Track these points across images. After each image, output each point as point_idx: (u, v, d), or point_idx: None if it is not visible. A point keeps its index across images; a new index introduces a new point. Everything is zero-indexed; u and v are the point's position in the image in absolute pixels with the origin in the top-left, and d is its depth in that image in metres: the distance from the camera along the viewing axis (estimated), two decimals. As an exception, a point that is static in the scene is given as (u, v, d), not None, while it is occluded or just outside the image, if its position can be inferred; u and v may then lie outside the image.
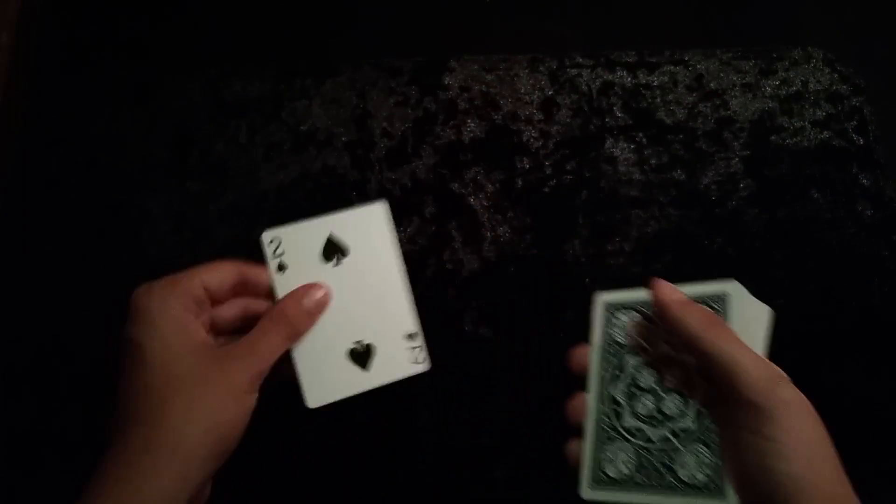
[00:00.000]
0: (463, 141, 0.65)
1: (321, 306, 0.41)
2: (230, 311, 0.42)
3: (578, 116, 0.66)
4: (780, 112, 0.66)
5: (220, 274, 0.41)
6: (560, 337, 0.59)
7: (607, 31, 0.71)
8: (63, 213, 0.63)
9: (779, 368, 0.38)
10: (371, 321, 0.43)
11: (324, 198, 0.63)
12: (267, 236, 0.42)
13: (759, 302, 0.41)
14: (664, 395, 0.39)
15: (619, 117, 0.66)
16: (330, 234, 0.43)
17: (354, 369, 0.42)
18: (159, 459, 0.35)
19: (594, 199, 0.63)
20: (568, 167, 0.64)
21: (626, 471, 0.38)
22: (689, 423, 0.38)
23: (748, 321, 0.39)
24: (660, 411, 0.39)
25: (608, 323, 0.43)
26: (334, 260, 0.43)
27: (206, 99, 0.67)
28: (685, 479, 0.36)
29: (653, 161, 0.64)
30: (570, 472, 0.41)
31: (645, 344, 0.41)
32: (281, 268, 0.42)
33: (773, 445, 0.32)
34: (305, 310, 0.41)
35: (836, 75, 0.67)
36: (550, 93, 0.67)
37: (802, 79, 0.67)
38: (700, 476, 0.36)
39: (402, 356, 0.43)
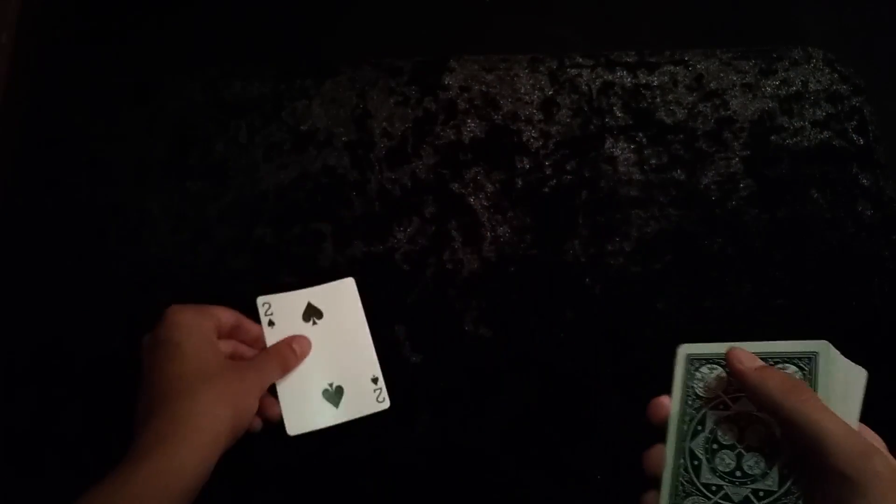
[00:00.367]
0: (463, 141, 0.65)
1: (305, 351, 0.54)
2: (225, 347, 0.51)
3: (578, 116, 0.66)
4: (780, 112, 0.66)
5: (226, 315, 0.51)
6: (560, 337, 0.59)
7: (607, 31, 0.71)
8: (63, 213, 0.63)
9: (871, 438, 0.37)
10: (341, 367, 0.54)
11: (324, 198, 0.63)
12: (260, 301, 0.55)
13: (853, 363, 0.40)
14: (746, 453, 0.38)
15: (619, 117, 0.66)
16: (309, 302, 0.56)
17: (328, 406, 0.53)
18: (193, 430, 0.42)
19: (594, 199, 0.63)
20: (568, 167, 0.64)
21: None
22: (771, 484, 0.37)
23: (839, 384, 0.38)
24: (740, 469, 0.38)
25: (690, 376, 0.42)
26: (311, 321, 0.55)
27: (206, 99, 0.67)
28: None
29: (653, 161, 0.64)
30: None
31: (728, 400, 0.40)
32: (271, 324, 0.54)
33: None
34: (294, 351, 0.53)
35: (836, 75, 0.67)
36: (550, 93, 0.67)
37: (802, 79, 0.67)
38: None
39: (367, 396, 0.54)
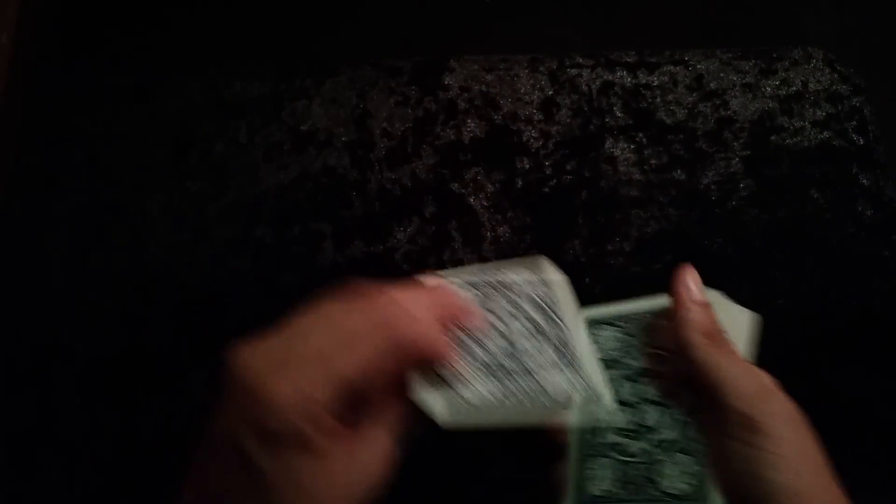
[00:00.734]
0: (463, 141, 0.65)
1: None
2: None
3: (578, 116, 0.66)
4: (780, 112, 0.66)
5: (355, 360, 0.29)
6: (560, 337, 0.59)
7: (607, 31, 0.71)
8: (63, 213, 0.63)
9: (769, 378, 0.38)
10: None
11: (324, 198, 0.63)
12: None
13: (743, 308, 0.41)
14: (645, 407, 0.39)
15: (619, 117, 0.66)
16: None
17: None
18: None
19: (594, 199, 0.63)
20: (568, 167, 0.64)
21: (609, 487, 0.38)
22: (670, 433, 0.38)
23: (731, 329, 0.39)
24: (640, 424, 0.39)
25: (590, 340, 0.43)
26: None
27: (206, 99, 0.67)
28: (668, 490, 0.36)
29: (653, 161, 0.64)
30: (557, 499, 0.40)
31: (628, 359, 0.41)
32: None
33: (763, 455, 0.33)
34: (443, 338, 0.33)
35: (836, 75, 0.67)
36: (550, 93, 0.67)
37: (802, 79, 0.67)
38: (682, 485, 0.36)
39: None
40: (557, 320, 0.37)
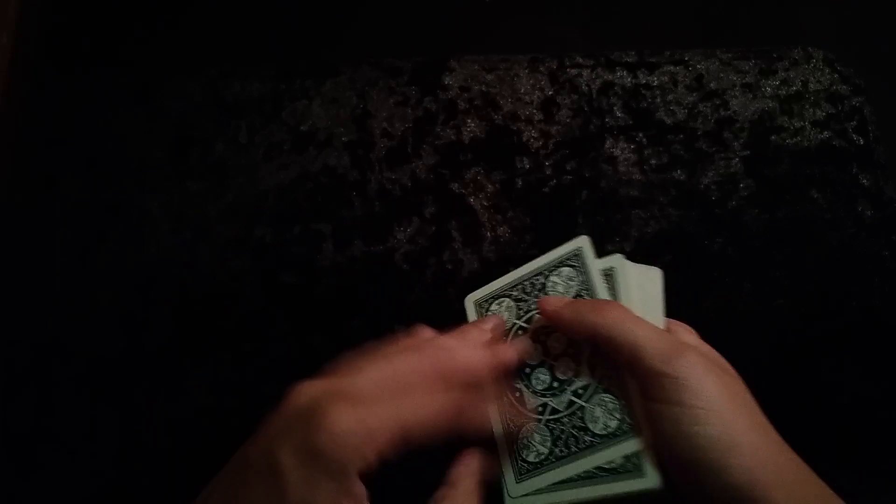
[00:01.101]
0: (463, 141, 0.65)
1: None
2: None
3: (578, 116, 0.66)
4: (780, 112, 0.66)
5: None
6: (560, 337, 0.59)
7: (607, 31, 0.71)
8: (63, 213, 0.63)
9: (681, 333, 0.39)
10: None
11: (324, 198, 0.63)
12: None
13: (647, 266, 0.41)
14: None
15: (619, 117, 0.66)
16: None
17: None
18: None
19: (594, 199, 0.63)
20: (568, 167, 0.64)
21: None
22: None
23: (636, 288, 0.40)
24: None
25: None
26: None
27: (206, 99, 0.67)
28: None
29: (653, 161, 0.64)
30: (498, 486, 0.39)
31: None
32: None
33: (691, 412, 0.32)
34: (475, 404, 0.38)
35: (836, 75, 0.67)
36: (550, 93, 0.67)
37: (802, 79, 0.67)
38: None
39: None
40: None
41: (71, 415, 0.56)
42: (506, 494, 0.38)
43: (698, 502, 0.32)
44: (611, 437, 0.35)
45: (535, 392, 0.39)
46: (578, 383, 0.38)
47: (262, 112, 0.66)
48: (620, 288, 0.40)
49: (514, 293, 0.43)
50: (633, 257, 0.61)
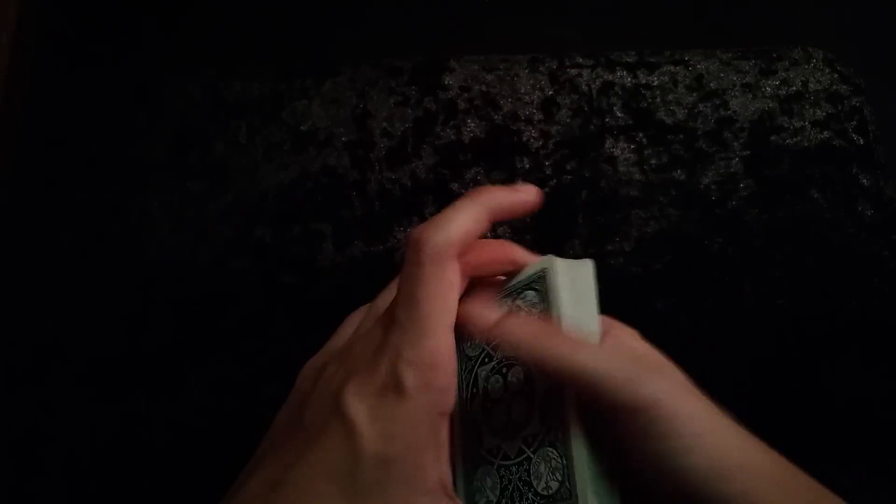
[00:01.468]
0: (463, 141, 0.65)
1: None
2: None
3: (578, 116, 0.66)
4: (780, 112, 0.66)
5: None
6: (560, 337, 0.59)
7: (607, 31, 0.71)
8: (63, 213, 0.63)
9: (624, 338, 0.34)
10: None
11: (324, 198, 0.63)
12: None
13: (581, 260, 0.37)
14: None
15: (619, 117, 0.66)
16: None
17: None
18: None
19: (594, 199, 0.63)
20: (568, 167, 0.64)
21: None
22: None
23: (568, 289, 0.36)
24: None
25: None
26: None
27: (206, 99, 0.67)
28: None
29: (653, 161, 0.64)
30: None
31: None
32: None
33: (672, 443, 0.27)
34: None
35: (836, 75, 0.67)
36: (550, 93, 0.67)
37: (802, 79, 0.67)
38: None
39: None
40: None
41: (71, 415, 0.56)
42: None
43: None
44: (551, 501, 0.31)
45: (492, 430, 0.35)
46: (529, 429, 0.33)
47: (262, 112, 0.66)
48: (549, 290, 0.35)
49: None
50: (633, 257, 0.61)
